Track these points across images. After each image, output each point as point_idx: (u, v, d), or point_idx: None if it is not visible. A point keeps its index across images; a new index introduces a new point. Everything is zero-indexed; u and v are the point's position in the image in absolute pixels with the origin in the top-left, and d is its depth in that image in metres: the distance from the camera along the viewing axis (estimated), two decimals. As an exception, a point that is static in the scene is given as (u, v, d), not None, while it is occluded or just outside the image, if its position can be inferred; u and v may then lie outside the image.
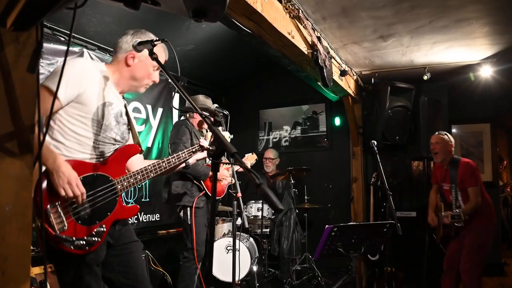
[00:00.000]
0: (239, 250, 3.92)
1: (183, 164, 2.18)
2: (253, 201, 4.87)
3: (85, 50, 3.72)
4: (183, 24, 4.06)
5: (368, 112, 5.08)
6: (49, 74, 1.72)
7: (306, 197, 5.04)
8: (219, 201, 4.18)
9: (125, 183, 1.84)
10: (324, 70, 3.35)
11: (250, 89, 6.29)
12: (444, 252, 3.77)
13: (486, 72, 4.60)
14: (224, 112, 3.34)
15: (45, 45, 3.29)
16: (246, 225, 2.73)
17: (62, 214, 1.62)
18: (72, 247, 1.62)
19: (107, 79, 1.85)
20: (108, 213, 1.78)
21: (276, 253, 4.87)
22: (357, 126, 5.30)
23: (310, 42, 3.31)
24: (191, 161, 2.59)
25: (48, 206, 1.59)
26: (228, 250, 4.21)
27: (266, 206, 4.68)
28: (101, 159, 1.82)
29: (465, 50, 4.19)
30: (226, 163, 3.24)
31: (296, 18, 3.08)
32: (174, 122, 4.75)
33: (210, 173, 3.33)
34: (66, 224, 1.62)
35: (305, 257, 4.80)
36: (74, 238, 1.63)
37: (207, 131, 3.66)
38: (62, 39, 3.46)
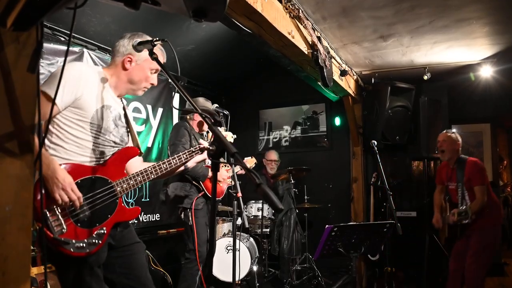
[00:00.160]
0: (239, 250, 3.92)
1: (183, 167, 2.17)
2: (253, 201, 4.87)
3: (85, 50, 3.72)
4: (183, 24, 4.06)
5: (368, 112, 5.08)
6: (46, 79, 1.72)
7: (306, 197, 5.05)
8: (218, 201, 4.18)
9: (125, 185, 1.84)
10: (324, 70, 3.35)
11: (250, 89, 6.29)
12: (446, 253, 3.77)
13: (486, 72, 4.60)
14: (224, 112, 3.34)
15: (45, 45, 3.29)
16: (246, 225, 2.73)
17: (60, 217, 1.62)
18: (72, 250, 1.62)
19: (104, 83, 1.85)
20: (109, 216, 1.77)
21: (276, 253, 4.87)
22: (357, 126, 5.30)
23: (310, 42, 3.31)
24: (190, 164, 2.58)
25: (46, 209, 1.59)
26: (228, 250, 4.21)
27: (266, 206, 4.68)
28: (100, 162, 1.82)
29: (465, 50, 4.19)
30: (226, 163, 3.24)
31: (296, 18, 3.07)
32: (174, 123, 4.76)
33: (209, 174, 3.33)
34: (65, 227, 1.62)
35: (305, 257, 4.81)
36: (74, 241, 1.63)
37: (208, 133, 3.66)
38: (62, 39, 3.46)
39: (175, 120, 4.93)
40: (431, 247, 4.35)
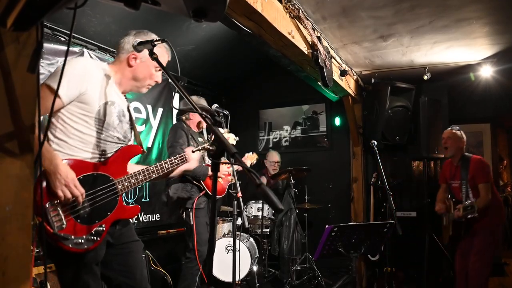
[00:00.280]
0: (239, 250, 3.92)
1: (184, 168, 2.17)
2: (253, 201, 4.87)
3: (85, 50, 3.72)
4: (184, 24, 4.06)
5: (368, 112, 5.08)
6: (51, 73, 1.73)
7: (306, 197, 5.05)
8: (220, 200, 4.17)
9: (126, 183, 1.84)
10: (324, 70, 3.35)
11: (250, 89, 6.29)
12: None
13: (486, 72, 4.60)
14: (224, 112, 3.34)
15: (45, 45, 3.29)
16: (246, 225, 2.73)
17: (61, 212, 1.63)
18: (70, 245, 1.63)
19: (109, 79, 1.86)
20: (108, 213, 1.78)
21: (276, 253, 4.87)
22: (357, 126, 5.30)
23: (310, 42, 3.31)
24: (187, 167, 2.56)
25: (47, 204, 1.60)
26: (228, 250, 4.21)
27: (266, 206, 4.68)
28: (103, 159, 1.82)
29: (465, 50, 4.19)
30: (227, 163, 3.24)
31: (296, 18, 3.07)
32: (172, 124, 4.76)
33: (210, 172, 3.33)
34: (64, 222, 1.63)
35: (305, 257, 4.81)
36: (72, 237, 1.63)
37: (208, 133, 3.67)
38: (62, 39, 3.46)
39: (175, 120, 4.94)
40: (431, 247, 4.35)
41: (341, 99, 5.04)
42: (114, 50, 4.18)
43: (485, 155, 5.36)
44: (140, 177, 1.89)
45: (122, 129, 1.91)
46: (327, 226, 2.67)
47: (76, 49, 3.67)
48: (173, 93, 4.80)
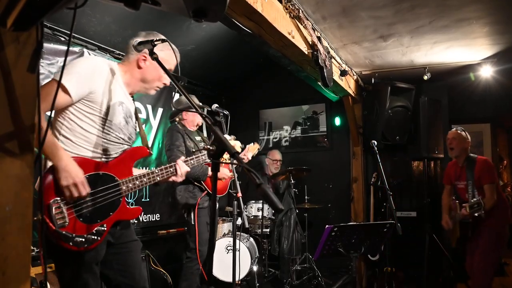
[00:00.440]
0: (239, 250, 3.92)
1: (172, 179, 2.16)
2: (253, 201, 4.87)
3: (85, 50, 3.72)
4: (184, 24, 4.06)
5: (368, 112, 5.08)
6: (66, 71, 1.70)
7: (306, 197, 5.05)
8: (225, 199, 4.17)
9: (130, 185, 1.84)
10: (324, 70, 3.35)
11: (250, 89, 6.29)
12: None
13: (486, 72, 4.60)
14: (224, 112, 3.34)
15: (45, 45, 3.29)
16: (246, 225, 2.73)
17: (64, 209, 1.63)
18: (71, 244, 1.63)
19: (118, 79, 1.86)
20: (111, 213, 1.78)
21: (276, 253, 4.87)
22: (357, 126, 5.30)
23: (310, 42, 3.31)
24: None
25: (51, 201, 1.60)
26: (228, 250, 4.21)
27: (266, 206, 4.68)
28: (108, 159, 1.82)
29: (465, 50, 4.19)
30: (227, 163, 3.24)
31: (296, 18, 3.07)
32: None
33: (210, 172, 3.33)
34: (67, 220, 1.63)
35: (305, 257, 4.81)
36: (74, 235, 1.63)
37: (208, 132, 3.67)
38: (62, 39, 3.46)
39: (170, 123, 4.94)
40: (431, 247, 4.35)
41: (341, 99, 5.04)
42: (114, 50, 4.21)
43: (485, 155, 5.35)
44: (145, 180, 1.90)
45: (127, 131, 1.91)
46: (327, 226, 2.67)
47: (76, 49, 3.67)
48: (173, 93, 4.80)
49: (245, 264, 4.18)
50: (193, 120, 3.55)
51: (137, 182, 1.87)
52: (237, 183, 2.84)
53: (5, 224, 1.07)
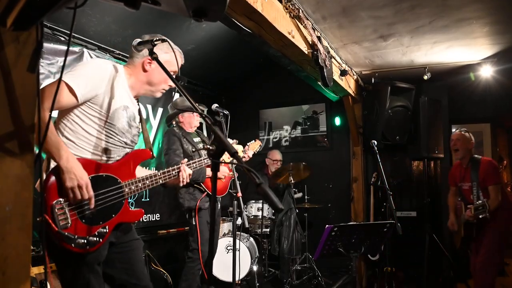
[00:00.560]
0: (239, 250, 3.92)
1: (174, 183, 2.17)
2: (253, 201, 4.87)
3: (85, 50, 3.72)
4: (184, 23, 4.05)
5: (368, 112, 5.08)
6: (71, 71, 1.72)
7: (306, 196, 5.04)
8: (228, 199, 4.17)
9: (133, 187, 1.84)
10: (324, 70, 3.35)
11: (250, 89, 6.29)
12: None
13: (487, 72, 4.60)
14: (224, 112, 3.34)
15: (45, 44, 3.29)
16: (246, 225, 2.73)
17: (67, 211, 1.63)
18: (73, 245, 1.63)
19: (124, 82, 1.86)
20: (113, 215, 1.78)
21: (276, 253, 4.87)
22: (357, 126, 5.30)
23: (310, 42, 3.31)
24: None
25: (54, 202, 1.60)
26: (228, 250, 4.21)
27: (266, 206, 4.68)
28: (110, 161, 1.82)
29: (466, 50, 4.19)
30: (227, 163, 3.24)
31: (296, 18, 3.07)
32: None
33: (208, 172, 3.33)
34: (69, 221, 1.63)
35: (305, 257, 4.81)
36: (76, 236, 1.64)
37: (200, 134, 3.66)
38: (62, 39, 3.46)
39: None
40: (431, 247, 4.35)
41: (341, 99, 5.04)
42: (114, 50, 4.20)
43: (485, 155, 5.34)
44: (148, 182, 1.90)
45: (130, 134, 1.92)
46: (327, 226, 2.67)
47: (76, 49, 3.67)
48: (173, 93, 4.79)
49: (245, 264, 4.18)
50: (190, 122, 3.55)
51: (140, 185, 1.87)
52: (237, 183, 2.84)
53: (5, 224, 1.07)
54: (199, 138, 3.61)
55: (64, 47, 3.41)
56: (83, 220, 1.67)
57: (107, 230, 1.75)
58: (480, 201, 3.30)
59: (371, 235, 2.88)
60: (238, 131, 4.29)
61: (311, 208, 4.96)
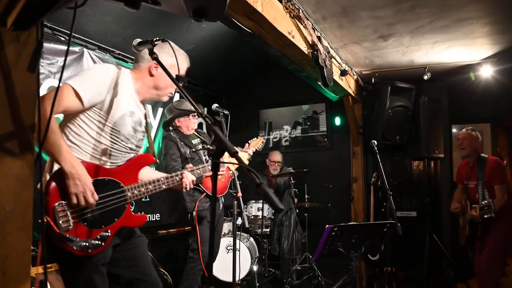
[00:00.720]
0: (239, 250, 3.92)
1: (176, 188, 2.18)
2: (254, 201, 4.87)
3: (85, 50, 3.72)
4: (184, 23, 4.05)
5: (368, 112, 5.08)
6: (76, 75, 1.74)
7: (306, 196, 5.04)
8: (230, 198, 4.17)
9: (136, 192, 1.85)
10: (324, 70, 3.35)
11: (250, 89, 6.29)
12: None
13: (487, 72, 4.60)
14: (224, 112, 3.34)
15: (45, 44, 3.29)
16: (247, 225, 2.73)
17: (68, 213, 1.63)
18: (75, 248, 1.63)
19: (129, 88, 1.86)
20: (115, 219, 1.78)
21: (276, 253, 4.87)
22: (357, 126, 5.30)
23: (311, 42, 3.31)
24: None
25: (56, 204, 1.60)
26: (229, 250, 4.21)
27: (266, 206, 4.68)
28: (114, 166, 1.83)
29: (466, 49, 4.19)
30: (227, 163, 3.24)
31: (296, 18, 3.07)
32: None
33: (204, 174, 3.34)
34: (71, 224, 1.63)
35: (306, 257, 4.81)
36: (78, 239, 1.64)
37: (201, 133, 3.66)
38: (62, 39, 3.46)
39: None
40: (431, 247, 4.35)
41: (341, 99, 5.04)
42: (114, 50, 4.20)
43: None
44: (151, 187, 1.91)
45: (135, 139, 1.92)
46: (327, 226, 2.67)
47: (76, 48, 3.67)
48: (173, 92, 4.80)
49: (245, 264, 4.18)
50: (187, 125, 3.55)
51: (143, 189, 1.87)
52: (237, 182, 2.84)
53: (5, 224, 1.07)
54: (198, 139, 3.62)
55: (64, 47, 3.41)
56: (85, 223, 1.67)
57: (109, 234, 1.75)
58: (485, 201, 3.31)
59: (371, 235, 2.88)
60: (238, 131, 4.29)
61: (311, 208, 4.96)
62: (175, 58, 1.84)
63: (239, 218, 3.44)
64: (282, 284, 4.58)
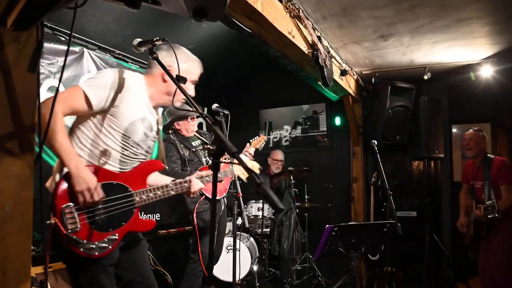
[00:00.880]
0: (239, 250, 3.92)
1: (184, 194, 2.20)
2: (254, 201, 4.87)
3: (85, 50, 3.72)
4: (184, 23, 4.05)
5: (368, 111, 5.08)
6: (90, 79, 1.74)
7: (306, 196, 5.04)
8: (232, 199, 4.17)
9: (144, 196, 1.85)
10: (325, 70, 3.35)
11: (250, 89, 6.29)
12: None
13: (487, 72, 4.59)
14: (224, 112, 3.34)
15: (46, 44, 3.28)
16: (247, 225, 2.73)
17: (76, 215, 1.63)
18: (82, 250, 1.63)
19: (143, 93, 1.87)
20: (123, 223, 1.78)
21: (276, 253, 4.87)
22: (358, 126, 5.30)
23: (311, 42, 3.31)
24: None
25: (63, 206, 1.61)
26: (229, 250, 4.21)
27: (266, 206, 4.68)
28: (123, 171, 1.83)
29: (466, 49, 4.18)
30: (227, 163, 3.24)
31: (296, 18, 3.07)
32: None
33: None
34: (79, 226, 1.63)
35: (306, 257, 4.81)
36: (85, 241, 1.64)
37: (202, 134, 3.66)
38: (63, 39, 3.46)
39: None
40: (431, 247, 4.34)
41: (341, 99, 5.04)
42: (114, 50, 4.19)
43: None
44: (159, 193, 1.91)
45: (146, 145, 1.93)
46: (327, 225, 2.67)
47: (76, 48, 3.67)
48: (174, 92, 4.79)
49: (245, 264, 4.18)
50: (186, 128, 3.55)
51: (151, 194, 1.88)
52: (237, 183, 2.84)
53: (5, 224, 1.07)
54: (199, 140, 3.61)
55: (64, 47, 3.41)
56: (93, 226, 1.67)
57: (117, 237, 1.74)
58: (490, 202, 3.31)
59: (371, 235, 2.88)
60: (238, 131, 4.29)
61: (311, 207, 4.96)
62: (192, 64, 1.89)
63: (239, 218, 3.43)
64: (282, 284, 4.58)
